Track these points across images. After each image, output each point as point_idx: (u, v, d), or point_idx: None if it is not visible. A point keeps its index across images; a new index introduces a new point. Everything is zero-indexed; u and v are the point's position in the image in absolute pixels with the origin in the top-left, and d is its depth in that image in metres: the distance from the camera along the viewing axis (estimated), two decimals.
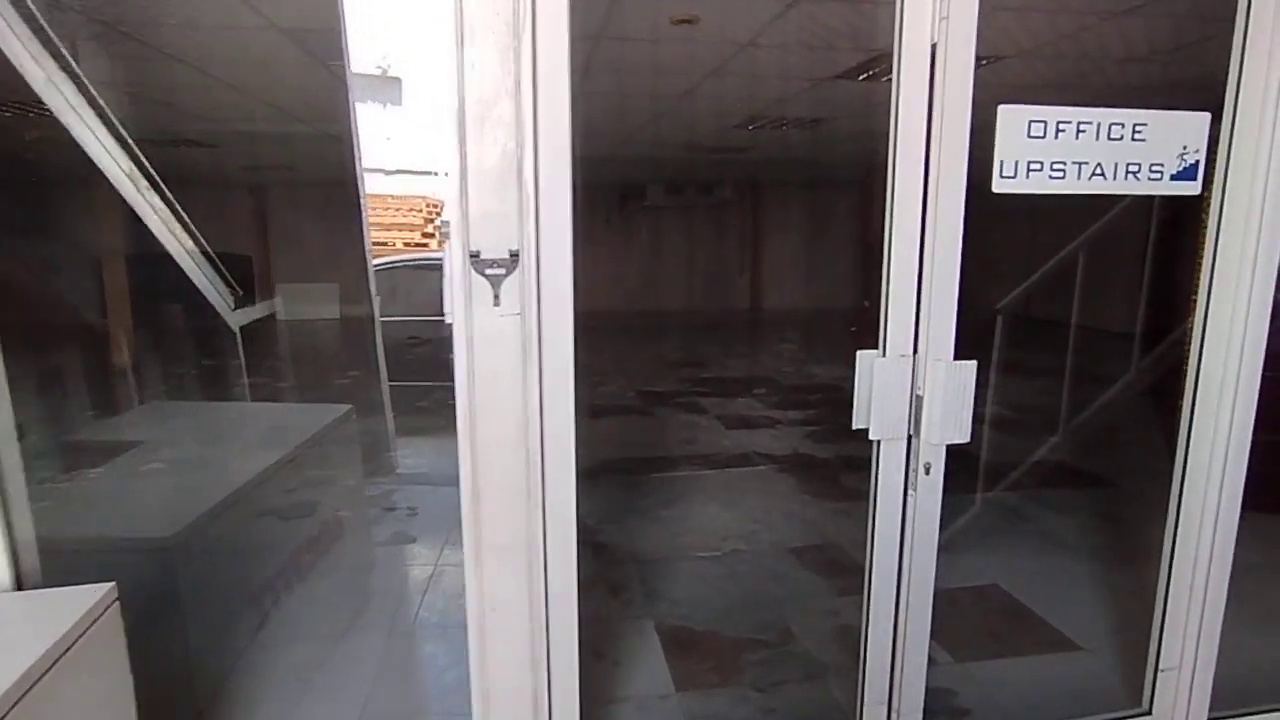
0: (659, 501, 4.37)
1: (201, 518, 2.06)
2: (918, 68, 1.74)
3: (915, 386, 1.85)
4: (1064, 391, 4.34)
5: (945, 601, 3.21)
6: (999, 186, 1.78)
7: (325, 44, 3.58)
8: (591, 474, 4.90)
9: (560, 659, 1.81)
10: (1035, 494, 4.31)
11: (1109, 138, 1.82)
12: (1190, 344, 2.19)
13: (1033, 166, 1.79)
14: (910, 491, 1.91)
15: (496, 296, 1.63)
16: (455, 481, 4.42)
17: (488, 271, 1.62)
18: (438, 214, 12.32)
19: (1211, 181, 1.96)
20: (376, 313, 4.58)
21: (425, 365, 7.07)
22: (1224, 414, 2.02)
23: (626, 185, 13.13)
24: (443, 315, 1.69)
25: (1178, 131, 1.86)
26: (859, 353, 1.89)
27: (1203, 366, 2.05)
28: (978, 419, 4.57)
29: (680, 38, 3.17)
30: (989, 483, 4.23)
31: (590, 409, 6.59)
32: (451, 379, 1.60)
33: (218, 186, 11.94)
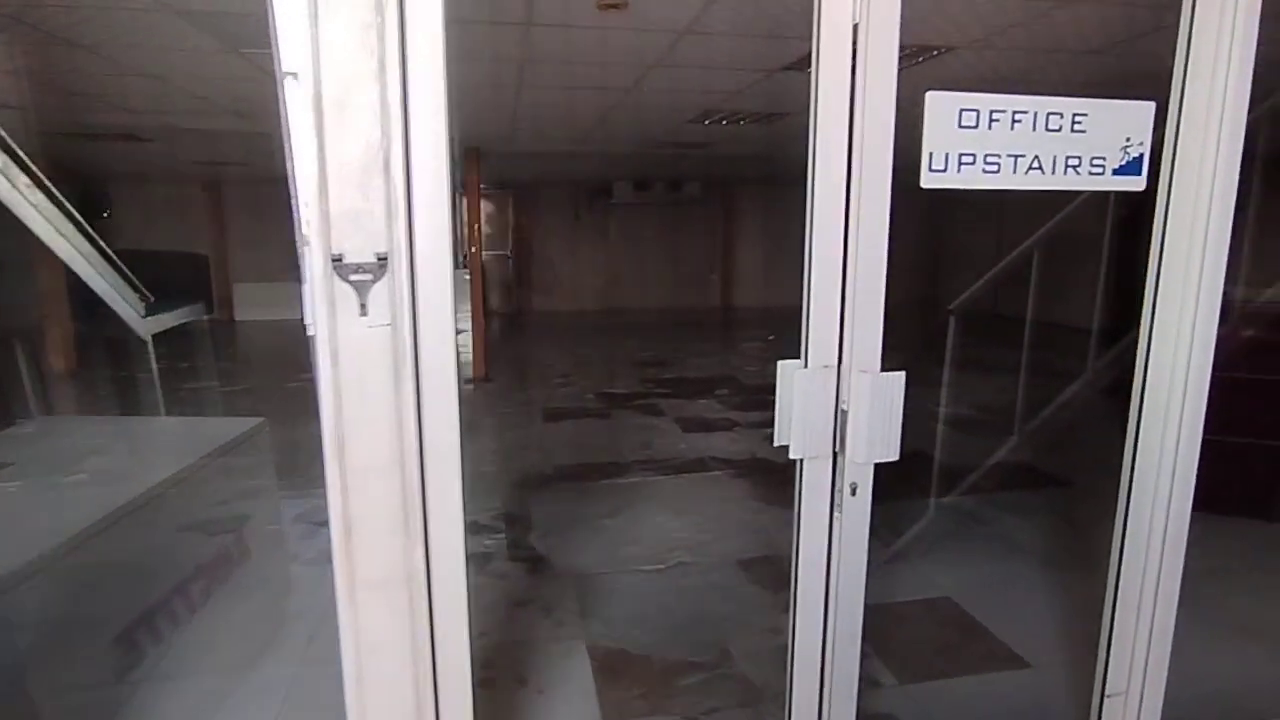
0: (606, 510, 4.20)
1: (59, 548, 1.85)
2: (838, 51, 1.58)
3: (840, 400, 1.70)
4: (1019, 390, 4.24)
5: (894, 618, 3.09)
6: (928, 181, 1.63)
7: (245, 32, 3.36)
8: (538, 482, 4.72)
9: (451, 706, 1.64)
10: (993, 496, 4.20)
11: (1046, 128, 1.68)
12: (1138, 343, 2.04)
13: (965, 159, 1.64)
14: (836, 514, 1.75)
15: (363, 305, 1.45)
16: None
17: (352, 277, 1.44)
18: None
19: (1158, 177, 1.83)
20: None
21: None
22: (1173, 417, 1.89)
23: (594, 182, 12.94)
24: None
25: (1120, 122, 1.72)
26: (780, 363, 1.74)
27: (1150, 367, 1.92)
28: (937, 420, 4.45)
29: (616, 25, 2.99)
30: (947, 486, 4.12)
31: (545, 412, 6.41)
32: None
33: (171, 183, 11.56)
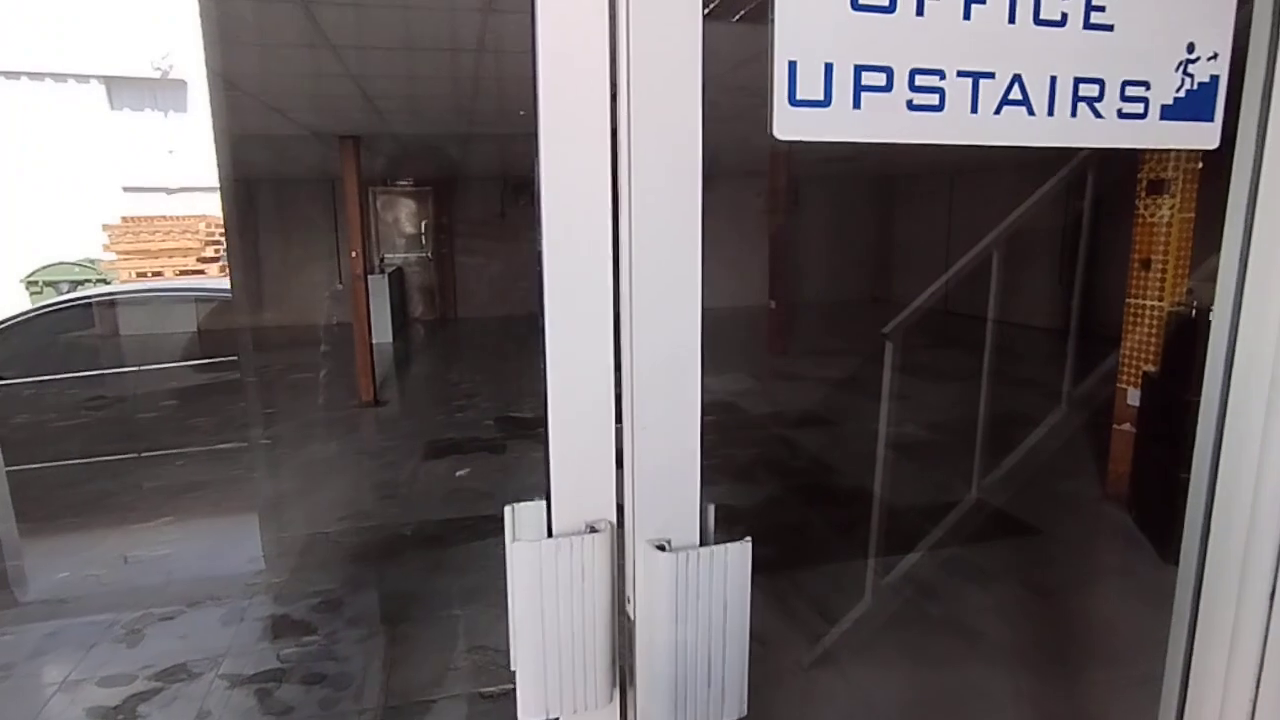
0: (461, 591, 3.28)
1: None
2: None
3: (624, 598, 0.80)
4: (971, 404, 3.46)
5: None
6: (784, 125, 0.74)
7: None
8: (390, 547, 3.77)
9: None
10: (948, 553, 3.37)
11: (1038, 19, 0.80)
12: (1208, 363, 1.14)
13: (868, 79, 0.76)
14: None
15: None
16: (117, 604, 3.05)
17: None
18: (224, 233, 10.92)
19: (1236, 120, 0.96)
20: None
21: (111, 432, 5.91)
22: (1272, 471, 1.00)
23: (517, 175, 11.91)
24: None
25: (1177, 14, 0.86)
26: (506, 510, 0.84)
27: (1233, 401, 1.03)
28: (885, 444, 3.60)
29: None
30: (892, 542, 3.28)
31: (429, 446, 5.43)
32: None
33: None
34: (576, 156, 0.73)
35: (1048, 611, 3.02)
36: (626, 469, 0.78)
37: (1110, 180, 3.60)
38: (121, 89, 12.65)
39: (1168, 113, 0.87)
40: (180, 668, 2.76)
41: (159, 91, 12.92)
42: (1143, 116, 0.86)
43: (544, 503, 0.81)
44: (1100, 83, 0.84)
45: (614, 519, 0.79)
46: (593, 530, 0.79)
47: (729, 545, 0.77)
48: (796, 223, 11.06)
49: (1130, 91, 0.85)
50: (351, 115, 5.10)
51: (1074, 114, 0.83)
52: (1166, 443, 3.35)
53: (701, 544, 0.78)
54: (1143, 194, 3.69)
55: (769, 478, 4.74)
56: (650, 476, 0.77)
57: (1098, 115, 0.84)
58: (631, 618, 0.80)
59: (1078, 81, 0.83)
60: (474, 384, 7.70)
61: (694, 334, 0.75)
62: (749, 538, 0.78)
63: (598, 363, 0.77)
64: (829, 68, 0.74)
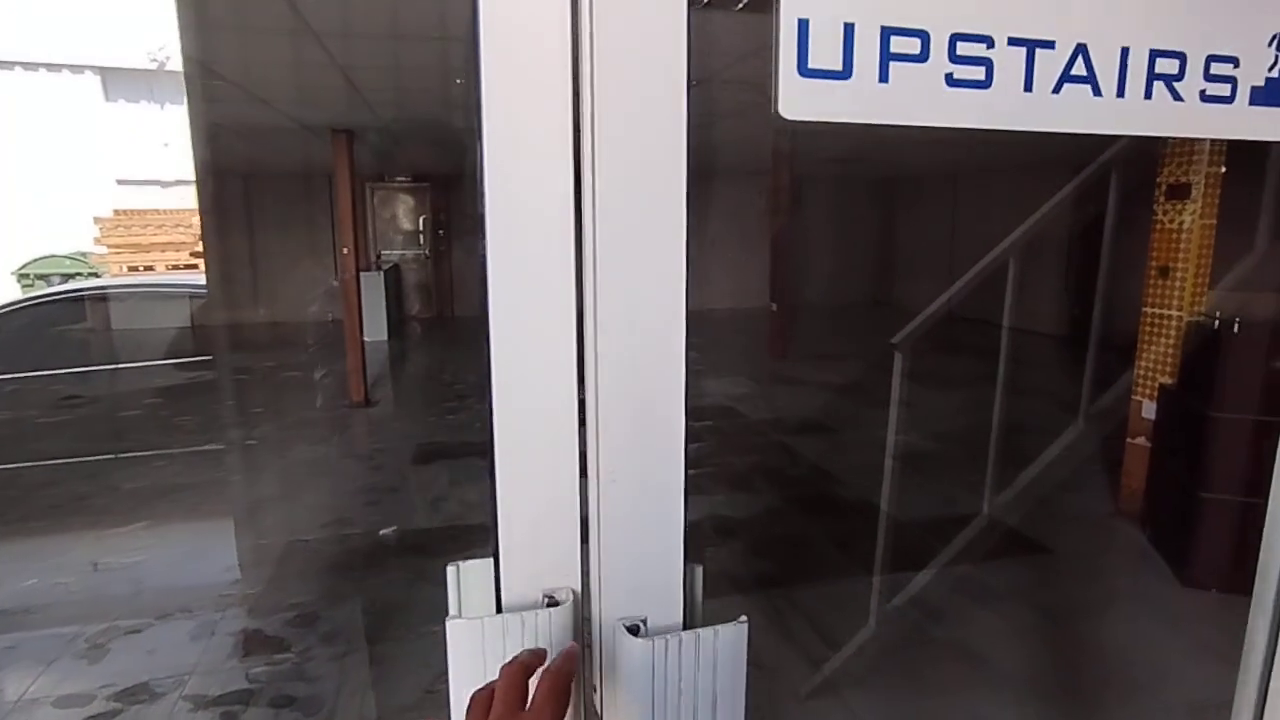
0: (444, 605, 3.11)
1: None
2: None
3: (589, 688, 0.65)
4: (976, 415, 3.31)
5: None
6: (791, 106, 0.59)
7: None
8: (373, 556, 3.62)
9: None
10: (955, 573, 3.21)
11: None
12: None
13: (897, 49, 0.60)
14: None
15: None
16: (83, 615, 2.88)
17: None
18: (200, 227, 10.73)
19: None
20: None
21: (91, 431, 5.74)
22: None
23: None
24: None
25: None
26: (450, 569, 0.69)
27: None
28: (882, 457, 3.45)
29: None
30: (897, 559, 3.13)
31: (419, 449, 5.28)
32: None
33: None
34: (530, 143, 0.57)
35: (1061, 636, 2.86)
36: (592, 530, 0.62)
37: (1125, 183, 3.44)
38: (117, 80, 12.49)
39: (1257, 97, 0.72)
40: (142, 687, 2.61)
41: (155, 83, 12.75)
42: (1229, 100, 0.71)
43: (492, 561, 0.66)
44: (1181, 57, 0.68)
45: (578, 587, 0.64)
46: (552, 603, 0.64)
47: (719, 628, 0.62)
48: (798, 224, 10.89)
49: (1215, 69, 0.70)
50: (341, 108, 4.94)
51: (1148, 95, 0.68)
52: (1184, 458, 3.20)
53: (686, 625, 0.63)
54: (1162, 198, 3.53)
55: (768, 487, 4.59)
56: (621, 541, 0.62)
57: (1177, 97, 0.69)
58: (599, 712, 0.65)
59: (1154, 55, 0.68)
60: (466, 385, 7.53)
61: (677, 363, 0.60)
62: (745, 617, 0.62)
63: (558, 397, 0.61)
64: (849, 29, 0.59)
